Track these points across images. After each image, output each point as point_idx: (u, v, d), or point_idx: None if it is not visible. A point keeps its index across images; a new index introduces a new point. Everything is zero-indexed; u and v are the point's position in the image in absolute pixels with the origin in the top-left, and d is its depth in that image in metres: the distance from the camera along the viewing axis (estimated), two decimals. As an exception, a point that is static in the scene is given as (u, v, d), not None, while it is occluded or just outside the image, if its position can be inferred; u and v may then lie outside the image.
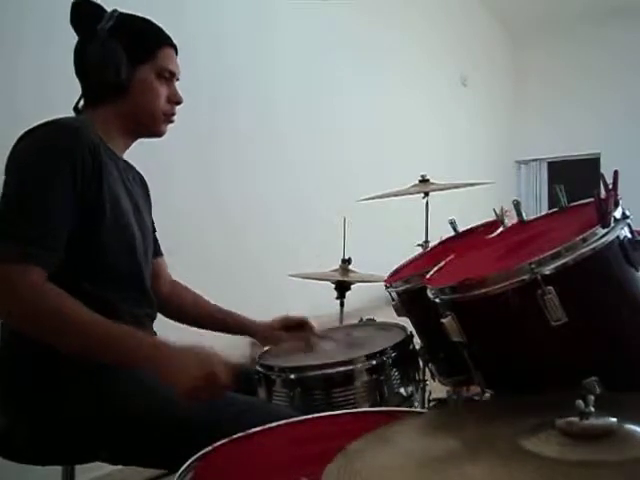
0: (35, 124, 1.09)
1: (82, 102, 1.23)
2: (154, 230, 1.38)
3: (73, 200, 1.05)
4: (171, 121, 1.26)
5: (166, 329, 1.33)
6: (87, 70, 1.17)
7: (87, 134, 1.10)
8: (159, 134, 1.26)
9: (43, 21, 1.97)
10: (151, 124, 1.23)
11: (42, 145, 1.07)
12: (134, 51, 1.17)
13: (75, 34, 1.19)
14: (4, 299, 0.98)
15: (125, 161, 1.28)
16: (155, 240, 1.39)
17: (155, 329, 1.28)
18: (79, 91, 1.23)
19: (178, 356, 1.01)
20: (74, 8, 1.19)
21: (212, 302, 1.45)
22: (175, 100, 1.25)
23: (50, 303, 0.98)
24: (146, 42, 1.21)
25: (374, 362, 1.25)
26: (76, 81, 1.21)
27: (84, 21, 1.18)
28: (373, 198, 2.33)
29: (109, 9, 1.19)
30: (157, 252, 1.40)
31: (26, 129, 1.09)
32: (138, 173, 1.36)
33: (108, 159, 1.16)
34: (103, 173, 1.10)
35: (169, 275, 1.44)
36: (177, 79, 1.26)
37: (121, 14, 1.19)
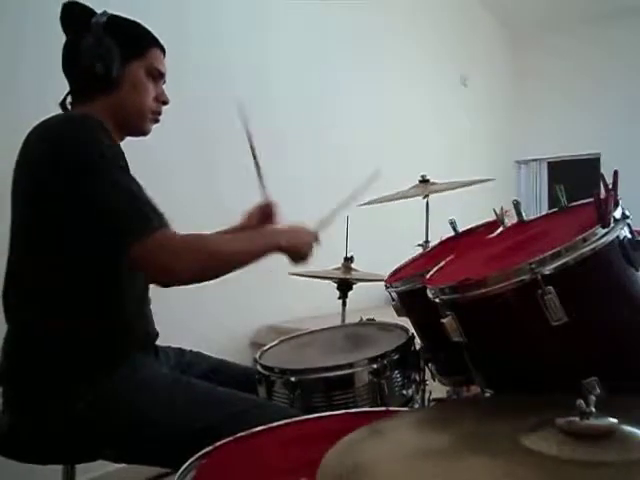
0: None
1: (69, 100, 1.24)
2: None
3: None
4: (157, 120, 1.29)
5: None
6: (79, 64, 1.18)
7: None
8: (144, 132, 1.28)
9: (42, 21, 1.97)
10: (138, 121, 1.25)
11: (85, 134, 1.08)
12: (126, 47, 1.19)
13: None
14: (170, 263, 1.04)
15: None
16: None
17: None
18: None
19: (293, 233, 1.26)
20: (64, 9, 1.21)
21: None
22: (162, 99, 1.28)
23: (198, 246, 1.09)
24: (137, 40, 1.24)
25: (375, 365, 1.25)
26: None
27: (75, 20, 1.20)
28: (373, 202, 2.32)
29: (103, 9, 1.21)
30: None
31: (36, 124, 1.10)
32: None
33: None
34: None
35: None
36: (164, 82, 1.29)
37: (112, 14, 1.22)
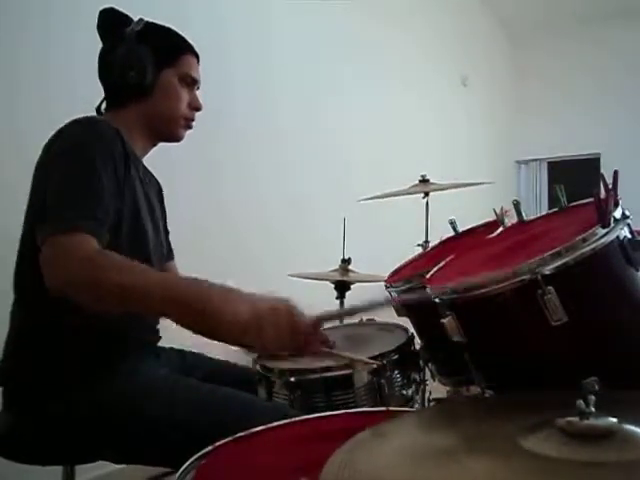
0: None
1: (104, 105, 1.26)
2: (167, 233, 1.40)
3: (115, 184, 1.07)
4: (189, 127, 1.29)
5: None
6: (113, 71, 1.19)
7: (116, 131, 1.13)
8: (177, 138, 1.28)
9: (43, 25, 1.97)
10: (170, 127, 1.26)
11: (84, 136, 1.09)
12: (160, 55, 1.21)
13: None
14: (61, 267, 0.96)
15: (144, 165, 1.30)
16: (167, 244, 1.40)
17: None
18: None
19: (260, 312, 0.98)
20: (101, 16, 1.23)
21: None
22: (195, 106, 1.28)
23: (99, 272, 0.94)
24: (171, 47, 1.25)
25: (375, 365, 1.25)
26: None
27: (111, 27, 1.21)
28: (373, 198, 2.34)
29: (139, 17, 1.23)
30: (169, 256, 1.41)
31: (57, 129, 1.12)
32: (155, 179, 1.37)
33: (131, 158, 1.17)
34: (131, 170, 1.14)
35: None
36: (198, 88, 1.30)
37: (147, 22, 1.23)
